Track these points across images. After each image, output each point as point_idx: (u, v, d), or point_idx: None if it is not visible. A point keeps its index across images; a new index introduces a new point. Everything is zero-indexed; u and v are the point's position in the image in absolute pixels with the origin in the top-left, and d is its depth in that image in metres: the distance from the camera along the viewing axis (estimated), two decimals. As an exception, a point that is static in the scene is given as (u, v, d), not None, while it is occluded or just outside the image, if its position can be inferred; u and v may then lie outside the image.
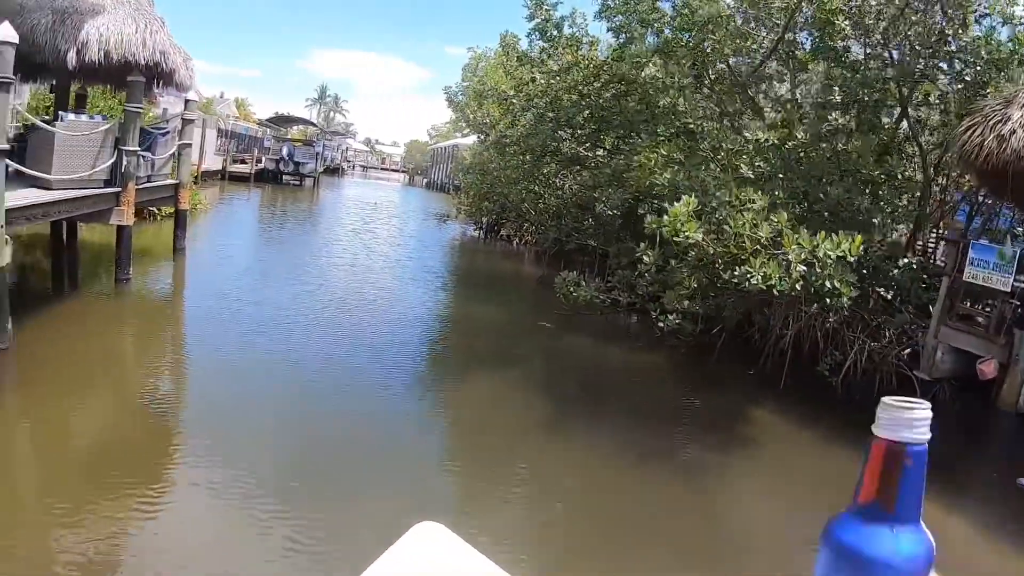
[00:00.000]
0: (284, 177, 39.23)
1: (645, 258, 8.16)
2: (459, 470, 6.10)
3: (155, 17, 9.75)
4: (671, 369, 9.65)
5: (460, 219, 25.22)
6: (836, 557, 0.59)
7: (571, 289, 10.44)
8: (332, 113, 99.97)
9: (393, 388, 7.66)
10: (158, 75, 10.02)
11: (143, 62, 9.40)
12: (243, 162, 35.91)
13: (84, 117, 9.79)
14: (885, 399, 0.59)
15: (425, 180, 63.80)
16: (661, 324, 9.24)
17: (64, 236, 12.00)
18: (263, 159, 38.42)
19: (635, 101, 11.81)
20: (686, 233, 7.01)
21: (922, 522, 0.59)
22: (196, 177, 25.75)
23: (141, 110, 10.07)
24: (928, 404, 0.58)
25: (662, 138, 10.69)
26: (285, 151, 39.55)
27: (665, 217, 7.20)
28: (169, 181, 12.57)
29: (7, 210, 6.73)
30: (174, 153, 12.54)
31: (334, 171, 59.72)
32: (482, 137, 24.36)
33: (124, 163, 9.77)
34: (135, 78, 9.71)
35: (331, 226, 23.62)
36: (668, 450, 6.82)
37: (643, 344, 10.69)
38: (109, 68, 9.54)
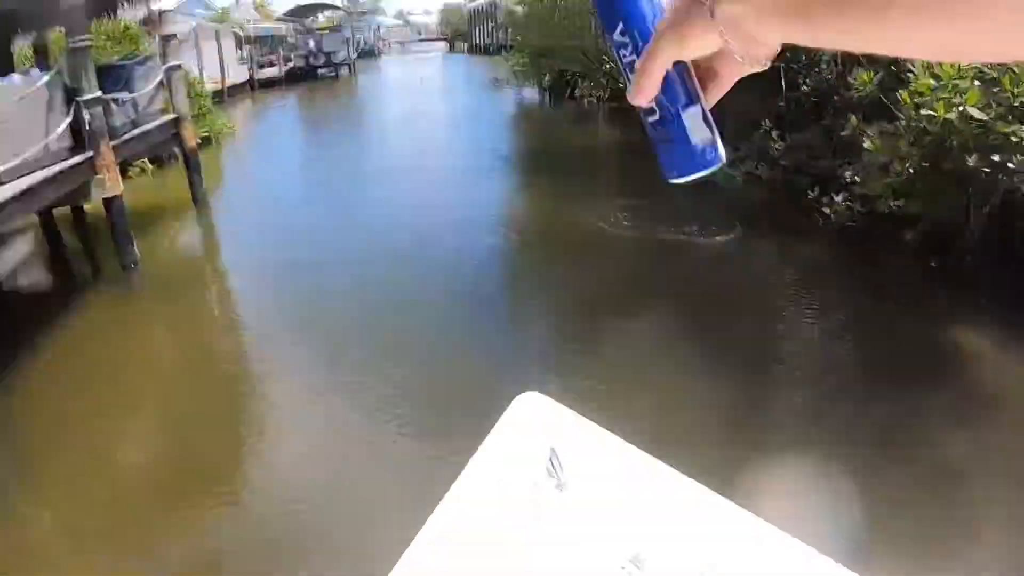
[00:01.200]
0: (318, 72, 36.35)
1: (867, 144, 5.44)
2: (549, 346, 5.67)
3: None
4: (840, 267, 6.90)
5: (515, 83, 22.27)
6: None
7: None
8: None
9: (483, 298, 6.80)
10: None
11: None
12: (270, 65, 33.15)
13: (16, 77, 7.28)
14: None
15: (467, 45, 59.80)
16: (826, 210, 7.07)
17: (71, 221, 9.69)
18: (292, 57, 35.51)
19: None
20: (964, 107, 4.45)
21: None
22: (222, 94, 23.53)
23: (89, 43, 7.56)
24: None
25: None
26: (312, 43, 36.52)
27: (933, 82, 4.65)
28: (164, 119, 10.09)
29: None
30: (161, 82, 10.03)
31: (369, 54, 56.38)
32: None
33: (87, 118, 7.44)
34: (68, 2, 7.24)
35: (377, 117, 21.08)
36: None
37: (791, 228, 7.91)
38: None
